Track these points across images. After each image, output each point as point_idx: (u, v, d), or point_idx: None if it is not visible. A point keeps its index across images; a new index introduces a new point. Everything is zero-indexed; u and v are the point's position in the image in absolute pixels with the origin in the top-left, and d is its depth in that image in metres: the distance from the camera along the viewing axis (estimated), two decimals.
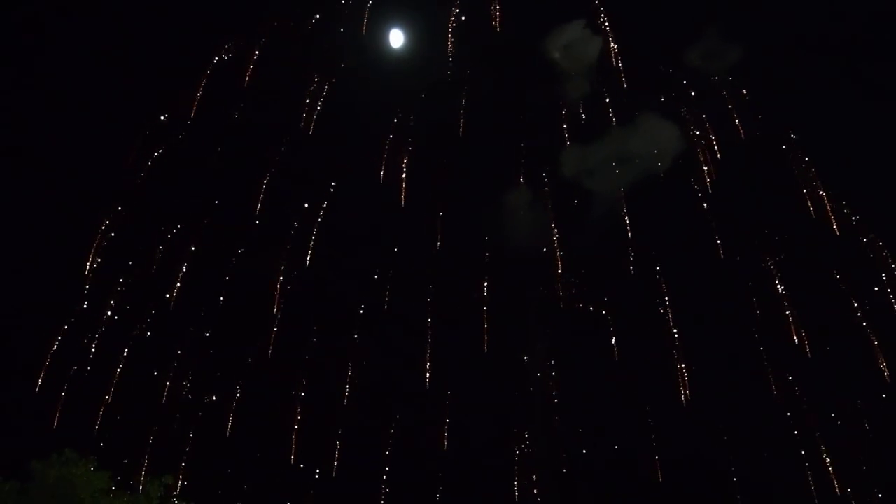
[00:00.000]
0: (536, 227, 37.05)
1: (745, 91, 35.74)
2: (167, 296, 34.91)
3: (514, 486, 35.03)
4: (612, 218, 36.55)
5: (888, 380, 33.20)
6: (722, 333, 35.47)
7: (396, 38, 36.53)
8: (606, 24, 37.05)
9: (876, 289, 33.87)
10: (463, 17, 36.96)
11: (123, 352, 33.48)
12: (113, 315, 34.30)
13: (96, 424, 31.58)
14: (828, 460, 33.71)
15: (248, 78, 36.89)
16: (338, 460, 34.42)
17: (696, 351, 35.52)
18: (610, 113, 37.08)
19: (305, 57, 37.16)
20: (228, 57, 37.11)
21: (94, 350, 33.11)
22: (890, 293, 33.76)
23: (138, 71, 36.37)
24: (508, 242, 37.22)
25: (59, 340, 33.05)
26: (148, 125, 36.38)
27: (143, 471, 22.13)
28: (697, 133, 36.34)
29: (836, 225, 34.40)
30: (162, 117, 36.53)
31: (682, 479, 34.58)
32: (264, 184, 36.41)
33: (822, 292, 34.80)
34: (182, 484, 29.27)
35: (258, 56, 37.04)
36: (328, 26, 37.53)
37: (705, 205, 36.20)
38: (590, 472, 35.52)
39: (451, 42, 36.80)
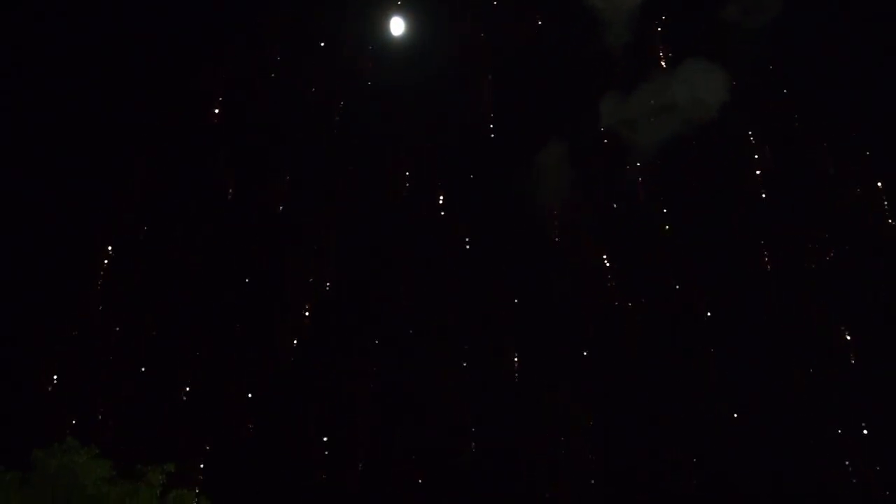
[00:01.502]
0: (570, 187, 36.01)
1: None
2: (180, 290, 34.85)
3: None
4: (650, 173, 35.59)
5: None
6: (763, 328, 34.31)
7: (397, 26, 35.89)
8: None
9: None
10: None
11: (130, 344, 33.57)
12: (123, 308, 34.35)
13: (99, 414, 31.68)
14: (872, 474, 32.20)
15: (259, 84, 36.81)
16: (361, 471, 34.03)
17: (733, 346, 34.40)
18: (651, 60, 36.31)
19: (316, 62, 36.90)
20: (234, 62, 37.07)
21: (98, 343, 33.21)
22: None
23: (142, 73, 36.54)
24: (539, 210, 36.03)
25: (65, 333, 33.20)
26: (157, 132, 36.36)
27: (145, 459, 21.87)
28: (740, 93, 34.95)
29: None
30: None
31: (715, 488, 33.45)
32: (282, 187, 36.31)
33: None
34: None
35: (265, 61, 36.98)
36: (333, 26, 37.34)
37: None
38: (621, 478, 34.30)
39: None
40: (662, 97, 35.14)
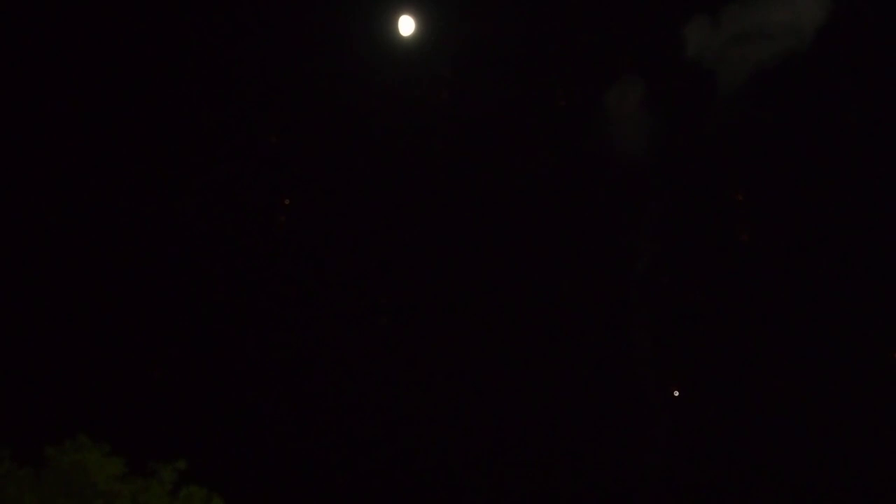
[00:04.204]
0: (641, 134, 32.87)
1: None
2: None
3: None
4: (737, 110, 31.85)
5: None
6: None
7: (407, 26, 34.70)
8: None
9: None
10: None
11: (142, 341, 33.61)
12: (134, 304, 34.35)
13: (110, 409, 31.62)
14: None
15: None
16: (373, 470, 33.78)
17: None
18: None
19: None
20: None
21: (110, 339, 33.25)
22: None
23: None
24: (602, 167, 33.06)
25: (75, 330, 33.20)
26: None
27: (157, 456, 22.04)
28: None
29: None
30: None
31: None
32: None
33: None
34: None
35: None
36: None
37: None
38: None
39: None
40: (757, 22, 31.42)
